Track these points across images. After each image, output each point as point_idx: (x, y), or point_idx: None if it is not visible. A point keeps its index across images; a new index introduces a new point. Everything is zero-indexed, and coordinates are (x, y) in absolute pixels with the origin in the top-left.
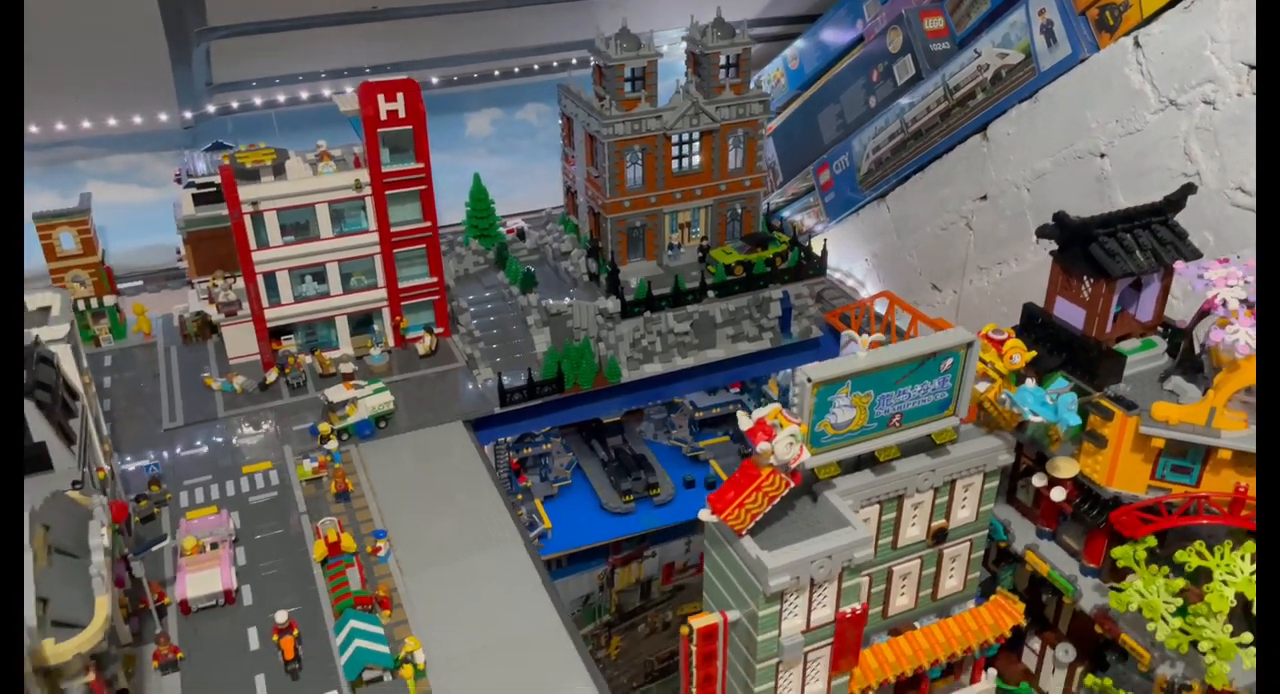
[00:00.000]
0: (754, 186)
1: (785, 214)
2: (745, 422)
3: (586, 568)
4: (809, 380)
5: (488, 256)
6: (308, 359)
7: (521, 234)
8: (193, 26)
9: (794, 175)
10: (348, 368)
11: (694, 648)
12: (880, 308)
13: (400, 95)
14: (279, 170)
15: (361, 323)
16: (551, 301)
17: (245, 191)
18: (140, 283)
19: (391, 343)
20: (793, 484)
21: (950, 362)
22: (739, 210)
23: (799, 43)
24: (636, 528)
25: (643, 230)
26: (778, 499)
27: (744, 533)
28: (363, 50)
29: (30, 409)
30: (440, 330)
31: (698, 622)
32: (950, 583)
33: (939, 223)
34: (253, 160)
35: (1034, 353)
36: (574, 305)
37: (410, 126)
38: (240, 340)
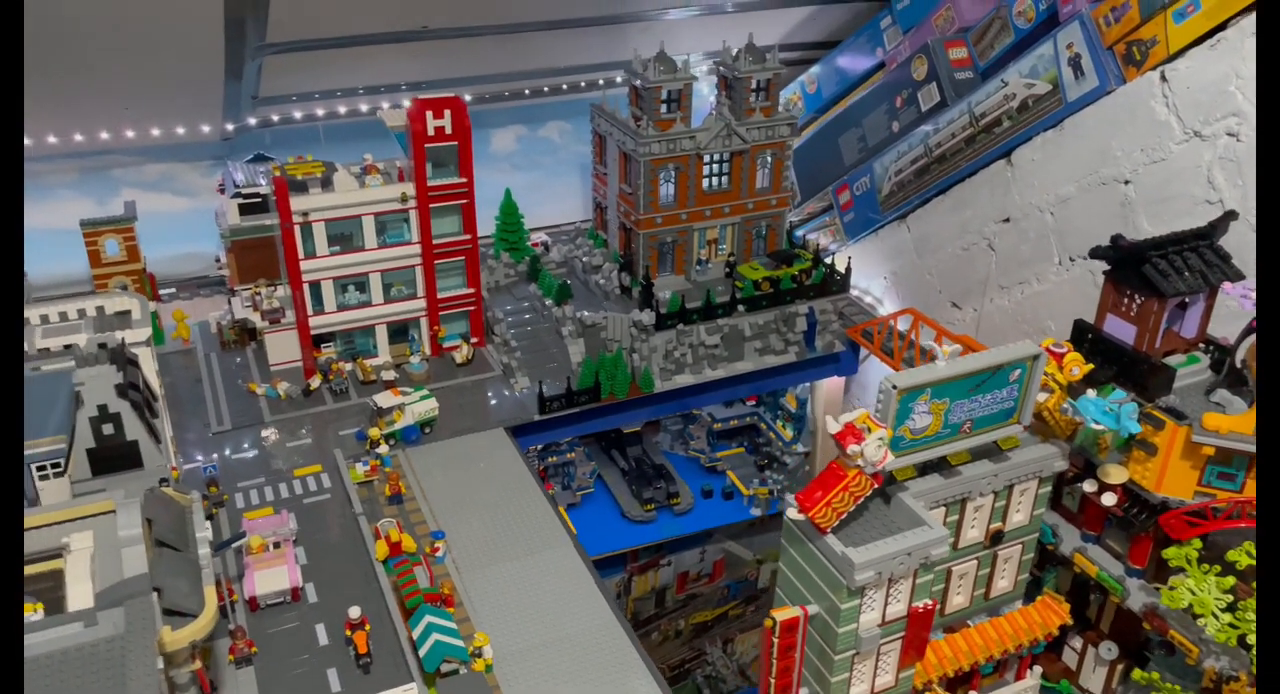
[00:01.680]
0: (779, 205)
1: (800, 232)
2: (833, 425)
3: (605, 575)
4: (894, 387)
5: (518, 269)
6: (348, 366)
7: (545, 247)
8: (253, 42)
9: (813, 195)
10: (389, 375)
11: (775, 640)
12: (903, 324)
13: (448, 112)
14: (326, 183)
15: (398, 331)
16: (586, 313)
17: (296, 202)
18: (173, 290)
19: (428, 351)
20: (876, 485)
21: (1018, 372)
22: (764, 228)
23: (816, 68)
24: (657, 536)
25: (673, 246)
26: (861, 499)
27: (828, 531)
28: (401, 68)
29: (125, 409)
30: (475, 340)
31: (780, 614)
32: (1001, 583)
33: (960, 243)
34: (303, 172)
35: (1091, 366)
36: (608, 317)
37: (456, 142)
38: (282, 347)
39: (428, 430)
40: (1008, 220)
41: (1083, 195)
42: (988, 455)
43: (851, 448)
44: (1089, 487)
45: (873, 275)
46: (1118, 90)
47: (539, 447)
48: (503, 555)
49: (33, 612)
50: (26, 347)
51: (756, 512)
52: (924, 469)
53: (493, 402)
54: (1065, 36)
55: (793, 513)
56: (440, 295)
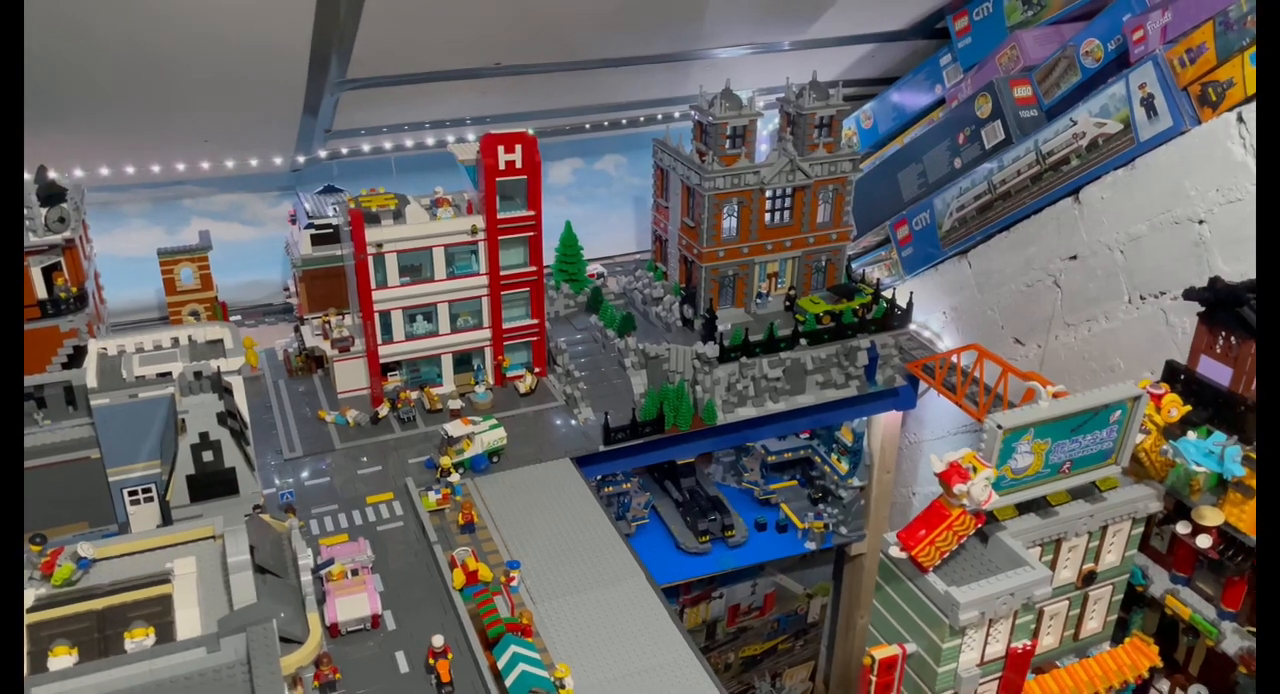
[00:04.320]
0: (840, 240)
1: (854, 266)
2: (938, 465)
3: None
4: (999, 427)
5: (577, 300)
6: (415, 394)
7: (601, 278)
8: (334, 78)
9: (869, 230)
10: (456, 404)
11: (874, 678)
12: (965, 360)
13: (519, 147)
14: (398, 215)
15: (462, 361)
16: (649, 345)
17: (371, 234)
18: (239, 317)
19: (492, 381)
20: (979, 525)
21: (1119, 413)
22: (824, 262)
23: (871, 103)
24: (711, 568)
25: (734, 279)
26: (964, 538)
27: (930, 569)
28: (468, 102)
29: (225, 437)
30: (538, 370)
31: (879, 652)
32: (1091, 625)
33: (1024, 279)
34: (376, 204)
35: (1189, 407)
36: (671, 350)
37: (526, 176)
38: (350, 375)
39: (495, 459)
40: (1075, 257)
41: (1154, 234)
42: (1084, 496)
43: (958, 487)
44: (1182, 529)
45: (931, 310)
46: (1192, 130)
47: (597, 477)
48: (575, 586)
49: (144, 636)
50: (125, 374)
51: (811, 545)
52: (1022, 508)
53: (557, 432)
54: (1138, 77)
55: (894, 551)
56: (505, 326)
